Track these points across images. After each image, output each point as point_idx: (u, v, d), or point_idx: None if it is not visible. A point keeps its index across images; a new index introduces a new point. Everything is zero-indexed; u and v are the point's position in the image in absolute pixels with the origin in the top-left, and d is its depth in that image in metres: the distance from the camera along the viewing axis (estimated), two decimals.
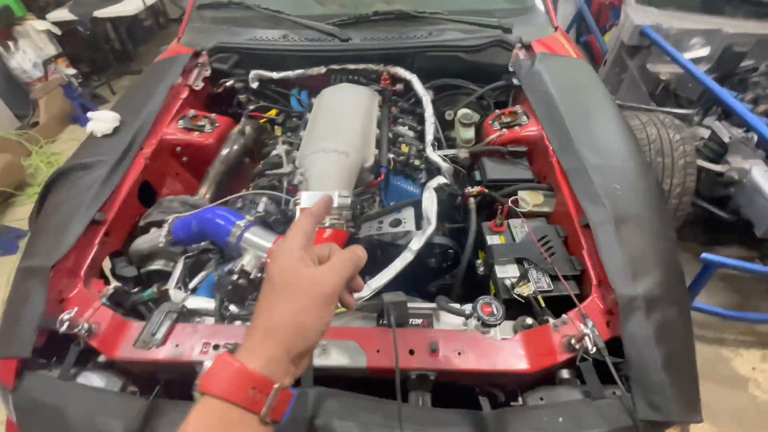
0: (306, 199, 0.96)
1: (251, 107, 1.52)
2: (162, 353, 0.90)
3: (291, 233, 0.54)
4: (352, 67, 1.53)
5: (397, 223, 1.18)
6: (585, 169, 1.09)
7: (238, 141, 1.38)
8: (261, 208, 1.14)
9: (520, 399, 0.84)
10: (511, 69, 1.51)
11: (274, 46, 1.57)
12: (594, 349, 0.81)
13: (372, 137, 1.28)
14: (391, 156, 1.29)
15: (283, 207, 1.09)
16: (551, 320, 0.90)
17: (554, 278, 1.00)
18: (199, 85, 1.54)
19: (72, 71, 3.16)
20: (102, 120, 1.29)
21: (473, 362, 0.84)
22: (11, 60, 3.13)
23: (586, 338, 0.82)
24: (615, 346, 0.84)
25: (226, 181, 1.37)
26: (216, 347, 0.90)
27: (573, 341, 0.84)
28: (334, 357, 0.87)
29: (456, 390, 0.89)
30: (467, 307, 0.96)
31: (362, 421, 0.77)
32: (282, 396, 0.45)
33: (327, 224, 0.97)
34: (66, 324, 0.92)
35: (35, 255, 1.04)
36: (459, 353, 0.85)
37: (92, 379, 0.93)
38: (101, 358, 0.95)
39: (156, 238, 1.08)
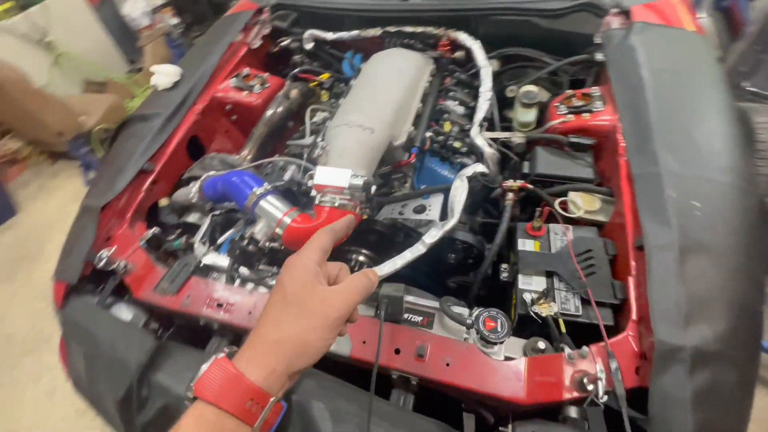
0: (320, 174, 0.92)
1: (297, 69, 1.48)
2: (174, 302, 0.98)
3: (308, 247, 0.54)
4: (409, 29, 1.39)
5: (421, 209, 1.09)
6: (659, 176, 0.87)
7: (283, 104, 1.37)
8: (287, 176, 1.13)
9: (509, 427, 0.75)
10: (597, 41, 1.24)
11: (331, 4, 1.49)
12: (605, 396, 0.68)
13: (411, 111, 1.17)
14: (428, 135, 1.17)
15: (304, 179, 1.06)
16: (567, 350, 0.77)
17: (586, 302, 0.85)
18: (257, 44, 1.54)
19: (176, 20, 3.45)
20: (164, 74, 1.37)
21: (460, 377, 0.76)
22: (124, 6, 3.49)
23: (599, 382, 0.69)
24: (641, 397, 0.70)
25: (268, 143, 1.39)
26: (219, 305, 0.95)
27: (585, 380, 0.71)
28: None
29: (445, 396, 0.82)
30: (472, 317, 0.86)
31: (336, 407, 0.76)
32: (275, 409, 0.46)
33: (336, 203, 0.92)
34: (103, 260, 1.03)
35: (92, 195, 1.18)
36: (447, 364, 0.78)
37: (122, 311, 1.05)
38: None
39: (189, 192, 1.14)
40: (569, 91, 1.19)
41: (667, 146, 0.91)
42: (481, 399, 0.77)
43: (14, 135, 2.90)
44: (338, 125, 1.00)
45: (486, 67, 1.29)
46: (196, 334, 1.01)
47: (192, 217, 1.22)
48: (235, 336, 0.96)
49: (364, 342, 0.83)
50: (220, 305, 0.95)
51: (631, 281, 0.82)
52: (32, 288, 2.12)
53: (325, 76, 1.51)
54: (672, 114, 0.98)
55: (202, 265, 1.04)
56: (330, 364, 0.83)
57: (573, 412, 0.74)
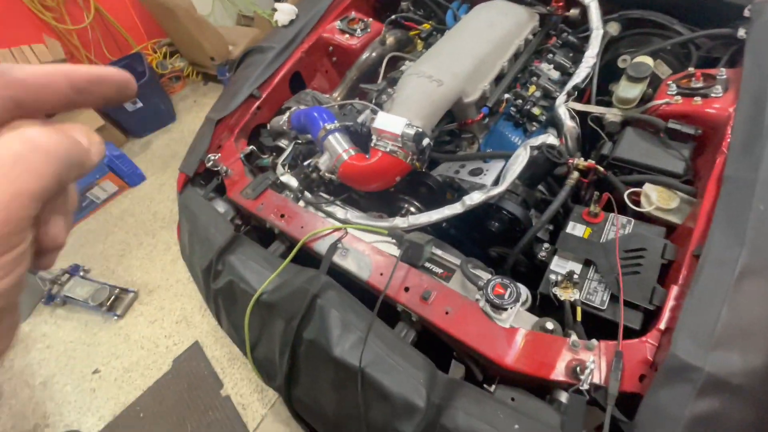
0: (380, 119, 0.98)
1: (395, 15, 1.50)
2: (252, 205, 1.19)
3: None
4: None
5: (478, 172, 1.09)
6: (753, 183, 0.73)
7: (377, 49, 1.43)
8: (361, 119, 1.22)
9: (492, 387, 0.79)
10: (746, 14, 1.00)
11: None
12: (586, 385, 0.67)
13: (493, 69, 1.12)
14: (506, 96, 1.12)
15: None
16: (574, 337, 0.76)
17: (616, 299, 0.79)
18: None
19: None
20: (283, 12, 1.53)
21: (454, 327, 0.81)
22: None
23: (587, 371, 0.68)
24: (634, 404, 0.67)
25: (358, 87, 1.48)
26: (282, 216, 1.13)
27: (579, 369, 0.71)
28: (349, 261, 0.98)
29: (444, 345, 0.88)
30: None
31: (347, 320, 0.88)
32: None
33: (388, 149, 0.98)
34: (210, 162, 1.29)
35: (214, 109, 1.44)
36: (447, 312, 0.83)
37: (219, 204, 1.31)
38: None
39: (281, 119, 1.32)
40: (690, 69, 1.00)
41: None
42: (473, 354, 0.81)
43: (180, 56, 3.54)
44: (410, 74, 1.03)
45: (598, 29, 1.15)
46: (264, 234, 1.23)
47: (283, 142, 1.41)
48: (291, 243, 1.14)
49: (381, 274, 0.92)
50: (282, 216, 1.12)
51: (673, 289, 0.74)
52: (176, 181, 2.69)
53: (426, 26, 1.51)
54: None
55: (278, 182, 1.23)
56: (353, 285, 0.96)
57: (562, 397, 0.74)
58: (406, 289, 0.88)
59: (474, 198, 0.95)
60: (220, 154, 1.33)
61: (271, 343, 0.99)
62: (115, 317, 2.06)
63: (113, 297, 2.10)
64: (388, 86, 1.07)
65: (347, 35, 1.50)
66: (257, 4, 3.77)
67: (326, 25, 1.54)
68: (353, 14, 1.54)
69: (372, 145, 1.02)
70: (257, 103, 1.44)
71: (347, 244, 0.99)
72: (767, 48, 0.88)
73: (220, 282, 1.11)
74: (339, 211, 1.08)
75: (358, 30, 1.49)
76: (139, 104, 3.02)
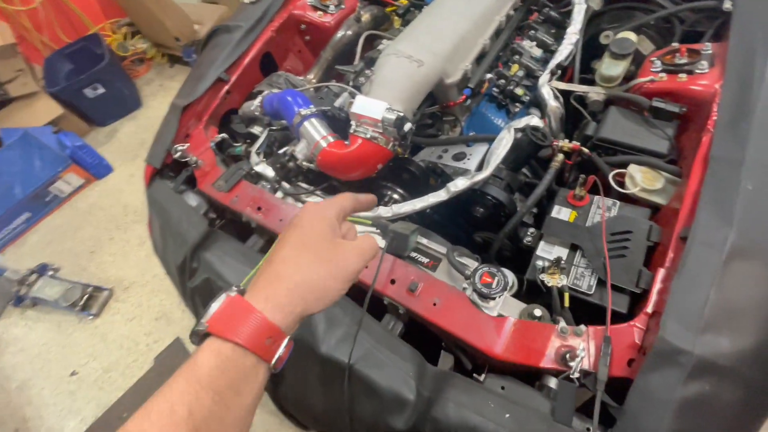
0: (359, 103, 0.93)
1: None
2: (225, 198, 1.13)
3: (330, 202, 0.55)
4: None
5: (461, 156, 1.06)
6: (740, 163, 0.72)
7: (352, 27, 1.36)
8: (338, 102, 1.16)
9: (482, 376, 0.78)
10: None
11: None
12: (578, 373, 0.66)
13: (474, 48, 1.07)
14: (488, 76, 1.08)
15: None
16: (562, 323, 0.75)
17: (603, 283, 0.79)
18: None
19: None
20: None
21: (443, 319, 0.80)
22: None
23: (577, 359, 0.67)
24: (622, 387, 0.67)
25: (333, 67, 1.41)
26: (259, 208, 1.07)
27: (569, 356, 0.70)
28: None
29: (432, 335, 0.87)
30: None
31: (332, 314, 0.85)
32: (288, 345, 0.45)
33: (368, 135, 0.94)
34: (178, 153, 1.21)
35: (179, 95, 1.34)
36: (434, 303, 0.81)
37: (190, 197, 1.24)
38: None
39: (253, 105, 1.24)
40: (675, 44, 0.98)
41: (766, 131, 0.74)
42: (462, 345, 0.80)
43: (142, 36, 3.32)
44: (388, 54, 0.97)
45: (580, 3, 1.11)
46: (242, 227, 1.17)
47: (256, 129, 1.33)
48: (270, 237, 1.09)
49: (366, 266, 0.89)
50: (259, 208, 1.07)
51: (660, 272, 0.73)
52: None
53: (402, 1, 1.43)
54: None
55: (253, 172, 1.16)
56: None
57: (552, 383, 0.74)
58: (393, 281, 0.85)
59: (458, 184, 0.92)
60: (188, 144, 1.25)
61: None
62: (90, 317, 1.98)
63: (87, 296, 2.01)
64: (366, 67, 1.01)
65: (320, 12, 1.41)
66: None
67: (297, 2, 1.45)
68: None
69: (351, 131, 0.96)
70: (226, 87, 1.35)
71: None
72: (754, 21, 0.86)
73: (197, 280, 1.06)
74: (318, 202, 1.03)
75: (332, 6, 1.41)
76: (101, 89, 2.84)
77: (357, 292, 0.89)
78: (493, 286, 0.78)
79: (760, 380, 0.64)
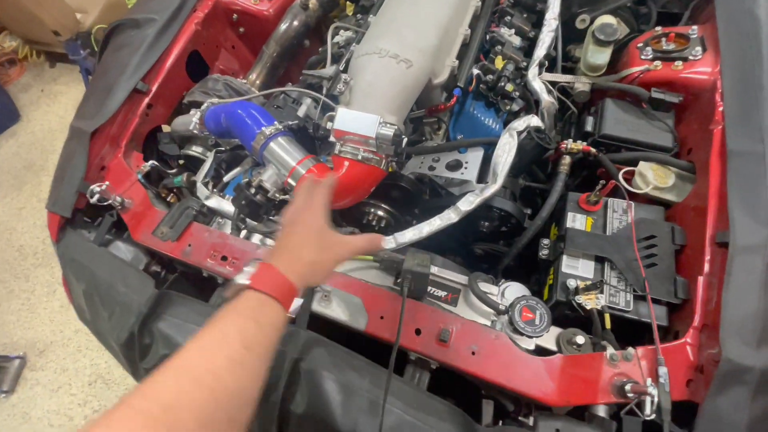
0: (342, 117, 0.76)
1: None
2: (175, 249, 0.89)
3: (315, 206, 0.65)
4: None
5: (456, 165, 0.93)
6: (762, 156, 0.70)
7: (299, 16, 1.14)
8: (302, 111, 0.97)
9: (531, 419, 0.69)
10: None
11: None
12: (653, 414, 0.60)
13: (456, 40, 0.94)
14: (475, 72, 0.96)
15: (321, 120, 0.89)
16: (610, 349, 0.68)
17: (639, 296, 0.73)
18: None
19: None
20: None
21: (486, 369, 0.69)
22: None
23: (648, 398, 0.60)
24: (686, 411, 0.62)
25: (280, 65, 1.19)
26: (224, 258, 0.86)
27: (628, 387, 0.63)
28: (335, 308, 0.78)
29: (462, 377, 0.76)
30: (501, 295, 0.77)
31: (346, 381, 0.71)
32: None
33: (360, 156, 0.77)
34: (96, 196, 0.93)
35: (82, 116, 1.04)
36: (473, 352, 0.70)
37: (121, 250, 0.97)
38: None
39: (190, 122, 0.99)
40: (658, 29, 0.94)
41: None
42: (506, 392, 0.70)
43: (10, 33, 2.65)
44: (367, 53, 0.80)
45: None
46: (201, 279, 0.95)
47: (194, 150, 1.08)
48: None
49: (381, 317, 0.75)
50: (224, 258, 0.86)
51: (701, 281, 0.69)
52: (40, 200, 2.08)
53: None
54: None
55: (205, 209, 0.93)
56: (337, 328, 0.77)
57: (601, 411, 0.67)
58: (418, 332, 0.72)
59: (470, 202, 0.80)
60: (107, 181, 0.96)
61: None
62: (3, 394, 1.57)
63: None
64: (341, 71, 0.83)
65: None
66: None
67: None
68: None
69: (335, 152, 0.79)
70: (147, 100, 1.07)
71: (326, 285, 0.78)
72: (738, 2, 0.84)
73: (153, 359, 0.83)
74: None
75: None
76: None
77: (370, 345, 0.75)
78: (536, 323, 0.69)
79: None
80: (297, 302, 0.62)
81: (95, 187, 0.92)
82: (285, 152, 0.82)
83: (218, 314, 0.51)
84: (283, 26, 1.15)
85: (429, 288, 0.79)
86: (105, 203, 0.94)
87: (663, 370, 0.65)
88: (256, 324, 0.51)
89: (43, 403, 1.55)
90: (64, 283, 1.04)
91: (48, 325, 1.72)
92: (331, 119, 0.78)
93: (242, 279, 0.55)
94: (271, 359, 0.53)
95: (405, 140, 0.78)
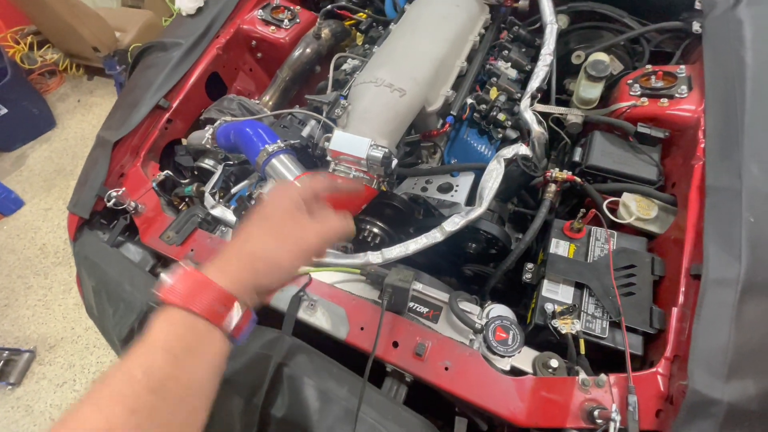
0: (338, 139, 0.82)
1: (332, 5, 1.30)
2: (178, 253, 0.95)
3: (303, 183, 0.56)
4: None
5: (447, 188, 0.98)
6: (738, 193, 0.72)
7: (311, 45, 1.23)
8: (306, 132, 1.03)
9: None
10: (698, 6, 1.00)
11: None
12: None
13: (452, 71, 1.01)
14: (469, 102, 1.02)
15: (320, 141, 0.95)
16: (582, 374, 0.69)
17: (615, 324, 0.75)
18: None
19: None
20: None
21: (458, 385, 0.71)
22: None
23: (612, 423, 0.61)
24: None
25: (291, 88, 1.27)
26: None
27: (596, 413, 0.64)
28: (319, 317, 0.81)
29: (438, 394, 0.78)
30: (484, 316, 0.79)
31: (326, 387, 0.74)
32: (245, 315, 0.46)
33: (351, 175, 0.82)
34: (113, 200, 1.01)
35: (108, 127, 1.13)
36: (446, 368, 0.72)
37: (131, 251, 1.04)
38: None
39: (203, 137, 1.07)
40: (648, 67, 0.98)
41: (758, 157, 0.74)
42: (478, 409, 0.72)
43: (53, 46, 2.89)
44: (365, 82, 0.87)
45: (552, 24, 1.08)
46: None
47: (206, 162, 1.16)
48: None
49: (362, 328, 0.78)
50: None
51: (674, 312, 0.70)
52: (66, 202, 2.20)
53: (362, 16, 1.33)
54: None
55: (209, 217, 1.00)
56: (323, 338, 0.81)
57: None
58: (395, 344, 0.75)
59: (454, 222, 0.84)
60: (124, 187, 1.05)
61: (229, 427, 0.80)
62: (9, 386, 1.64)
63: (1, 361, 1.67)
64: (341, 96, 0.90)
65: (273, 27, 1.27)
66: None
67: (244, 15, 1.29)
68: (277, 1, 1.31)
69: (330, 170, 0.85)
70: (167, 115, 1.16)
71: (313, 294, 0.82)
72: (726, 43, 0.88)
73: None
74: None
75: (286, 21, 1.27)
76: (3, 110, 2.41)
77: (354, 357, 0.78)
78: (509, 342, 0.71)
79: None
80: (239, 311, 0.45)
81: (113, 192, 1.00)
82: (285, 168, 0.89)
83: (134, 344, 0.41)
84: (297, 53, 1.24)
85: (412, 304, 0.83)
86: (120, 207, 1.02)
87: (633, 399, 0.66)
88: (168, 356, 0.39)
89: (46, 397, 1.62)
90: (77, 279, 1.11)
91: (61, 322, 1.81)
92: (328, 140, 0.84)
93: (155, 291, 0.44)
94: (210, 392, 0.43)
95: (395, 162, 0.83)
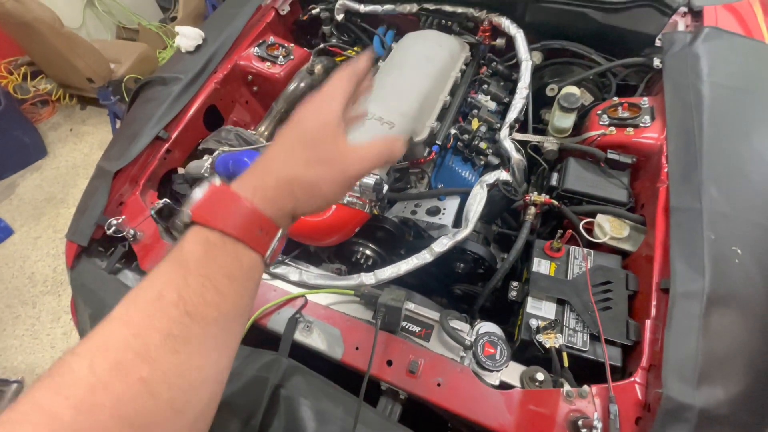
0: None
1: (324, 44, 1.40)
2: None
3: (333, 90, 0.48)
4: (448, 9, 1.28)
5: (435, 211, 1.04)
6: (700, 213, 0.79)
7: (305, 79, 1.31)
8: None
9: None
10: (658, 43, 1.11)
11: None
12: None
13: (437, 104, 1.09)
14: (453, 132, 1.09)
15: None
16: (566, 386, 0.73)
17: (595, 338, 0.80)
18: (286, 9, 1.46)
19: None
20: (187, 36, 1.32)
21: (450, 400, 0.74)
22: None
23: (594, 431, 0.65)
24: None
25: (286, 119, 1.33)
26: None
27: (580, 423, 0.68)
28: (315, 338, 0.84)
29: (432, 411, 0.81)
30: (474, 333, 0.83)
31: (322, 408, 0.76)
32: (280, 240, 0.44)
33: (345, 201, 0.88)
34: (113, 228, 1.04)
35: (108, 158, 1.17)
36: (438, 384, 0.76)
37: (129, 278, 1.06)
38: None
39: (202, 166, 1.12)
40: (615, 99, 1.08)
41: (716, 179, 0.82)
42: (469, 424, 0.75)
43: (46, 77, 2.94)
44: None
45: (527, 60, 1.18)
46: None
47: None
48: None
49: (357, 348, 0.81)
50: None
51: (648, 325, 0.76)
52: (56, 231, 2.20)
53: (351, 53, 1.42)
54: (729, 142, 0.88)
55: None
56: (319, 358, 0.83)
57: None
58: (389, 363, 0.78)
59: (443, 244, 0.89)
60: (123, 215, 1.08)
61: None
62: None
63: None
64: None
65: (268, 63, 1.34)
66: (140, 14, 3.30)
67: (241, 51, 1.37)
68: (272, 39, 1.39)
69: None
70: (166, 146, 1.21)
71: (309, 316, 0.86)
72: (683, 77, 0.97)
73: None
74: (292, 273, 0.94)
75: (281, 57, 1.35)
76: None
77: (349, 377, 0.81)
78: (497, 357, 0.75)
79: (753, 423, 0.67)
80: (278, 237, 0.43)
81: (113, 220, 1.03)
82: None
83: (158, 264, 0.38)
84: (291, 87, 1.31)
85: (405, 323, 0.86)
86: (119, 235, 1.05)
87: (614, 408, 0.70)
88: (205, 280, 0.36)
89: None
90: (72, 307, 1.12)
91: (49, 351, 1.78)
92: None
93: (186, 209, 0.40)
94: (244, 316, 0.41)
95: (386, 188, 0.89)
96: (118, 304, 0.35)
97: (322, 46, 1.39)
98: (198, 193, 0.40)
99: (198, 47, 1.33)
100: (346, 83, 0.48)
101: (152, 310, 0.34)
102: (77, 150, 2.75)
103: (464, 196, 1.05)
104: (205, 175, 1.13)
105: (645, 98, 1.03)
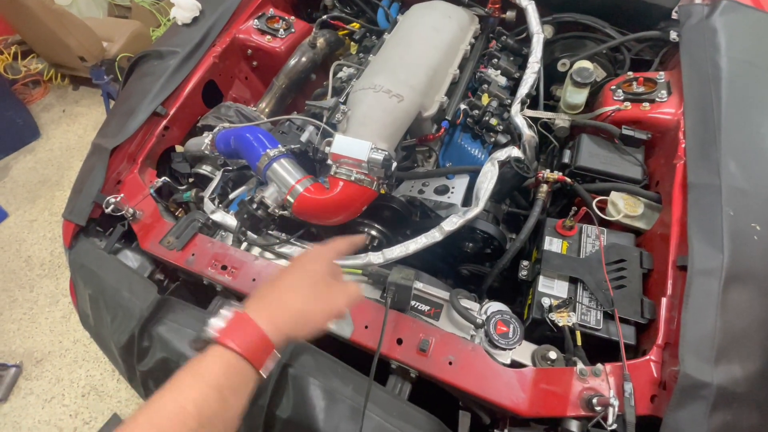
0: (338, 143, 0.84)
1: (326, 15, 1.34)
2: (179, 258, 0.95)
3: (334, 247, 0.65)
4: None
5: (443, 190, 1.01)
6: (718, 189, 0.76)
7: (307, 54, 1.26)
8: (305, 137, 1.06)
9: None
10: (674, 16, 1.06)
11: None
12: (615, 424, 0.64)
13: (446, 78, 1.05)
14: (462, 107, 1.06)
15: (321, 145, 0.98)
16: (580, 365, 0.72)
17: (609, 316, 0.78)
18: None
19: None
20: (184, 7, 1.26)
21: (462, 378, 0.73)
22: None
23: (611, 408, 0.64)
24: (649, 425, 0.65)
25: (288, 96, 1.29)
26: (224, 267, 0.92)
27: (595, 401, 0.67)
28: None
29: (442, 389, 0.80)
30: (483, 312, 0.82)
31: (331, 387, 0.75)
32: (273, 361, 0.54)
33: (353, 177, 0.85)
34: (111, 206, 1.01)
35: (104, 135, 1.13)
36: (450, 362, 0.74)
37: (129, 258, 1.04)
38: None
39: (202, 143, 1.08)
40: (630, 74, 1.04)
41: (734, 155, 0.80)
42: (480, 402, 0.74)
43: (37, 56, 2.85)
44: (363, 88, 0.90)
45: (538, 33, 1.14)
46: (201, 289, 1.00)
47: (204, 168, 1.17)
48: (238, 299, 0.94)
49: (366, 327, 0.80)
50: (224, 267, 0.92)
51: (664, 302, 0.74)
52: (52, 214, 2.16)
53: (355, 26, 1.37)
54: (748, 117, 0.85)
55: (210, 222, 1.00)
56: (327, 338, 0.82)
57: (573, 425, 0.71)
58: (399, 342, 0.77)
59: (453, 222, 0.87)
60: (122, 193, 1.04)
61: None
62: None
63: None
64: (340, 102, 0.93)
65: (268, 36, 1.29)
66: None
67: (240, 24, 1.31)
68: (272, 11, 1.33)
69: (331, 173, 0.87)
70: (164, 122, 1.17)
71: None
72: (701, 50, 0.94)
73: (150, 361, 0.87)
74: (297, 252, 0.91)
75: (281, 30, 1.30)
76: None
77: (357, 356, 0.79)
78: (510, 335, 0.74)
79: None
80: (274, 358, 0.52)
81: (111, 198, 1.00)
82: (286, 172, 0.91)
83: (179, 374, 0.46)
84: (293, 62, 1.27)
85: (414, 302, 0.85)
86: (118, 214, 1.02)
87: (628, 386, 0.69)
88: (218, 395, 0.45)
89: (34, 413, 1.57)
90: (71, 288, 1.10)
91: (48, 335, 1.76)
92: (329, 144, 0.86)
93: (210, 330, 0.49)
94: (237, 421, 0.48)
95: (394, 164, 0.86)
96: (140, 409, 0.43)
97: (324, 18, 1.33)
98: (223, 315, 0.50)
99: (195, 19, 1.28)
100: (345, 247, 0.65)
101: (172, 419, 0.42)
102: (71, 131, 2.68)
103: (473, 175, 1.02)
104: (206, 152, 1.09)
105: (661, 73, 1.00)
